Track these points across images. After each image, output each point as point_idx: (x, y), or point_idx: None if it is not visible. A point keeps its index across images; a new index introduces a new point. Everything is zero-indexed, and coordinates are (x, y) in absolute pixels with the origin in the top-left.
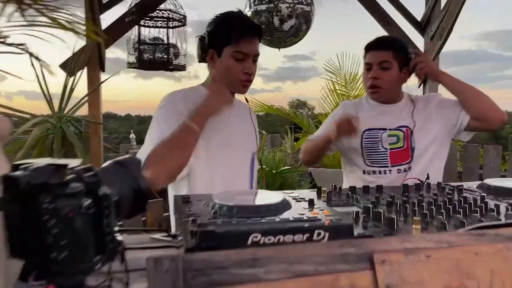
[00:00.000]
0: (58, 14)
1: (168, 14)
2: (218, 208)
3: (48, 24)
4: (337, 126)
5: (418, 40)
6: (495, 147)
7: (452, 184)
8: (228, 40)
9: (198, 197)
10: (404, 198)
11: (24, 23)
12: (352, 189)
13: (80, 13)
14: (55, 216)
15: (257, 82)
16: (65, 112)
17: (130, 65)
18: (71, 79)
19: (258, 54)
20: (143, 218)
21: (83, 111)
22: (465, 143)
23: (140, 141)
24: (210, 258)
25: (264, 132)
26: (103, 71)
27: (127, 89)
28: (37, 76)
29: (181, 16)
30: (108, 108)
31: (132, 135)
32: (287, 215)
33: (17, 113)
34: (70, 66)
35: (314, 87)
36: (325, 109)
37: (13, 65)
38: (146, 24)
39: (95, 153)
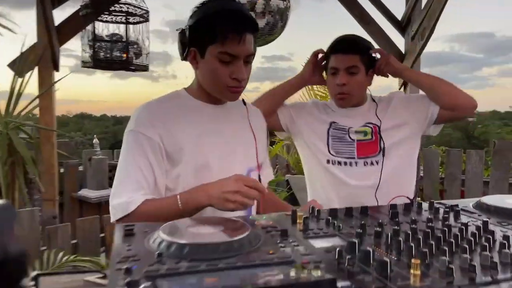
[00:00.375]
0: None
1: (128, 8)
2: (165, 248)
3: None
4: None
5: (398, 40)
6: (477, 152)
7: (446, 202)
8: (212, 38)
9: (146, 228)
10: (395, 227)
11: None
12: (333, 212)
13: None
14: None
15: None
16: (13, 116)
17: (85, 64)
18: (20, 80)
19: (252, 54)
20: (102, 235)
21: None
22: (447, 148)
23: (117, 145)
24: None
25: None
26: (57, 70)
27: (103, 89)
28: None
29: (143, 11)
30: (82, 108)
31: (95, 140)
32: (253, 258)
33: None
34: (18, 66)
35: None
36: None
37: None
38: (104, 19)
39: (48, 162)
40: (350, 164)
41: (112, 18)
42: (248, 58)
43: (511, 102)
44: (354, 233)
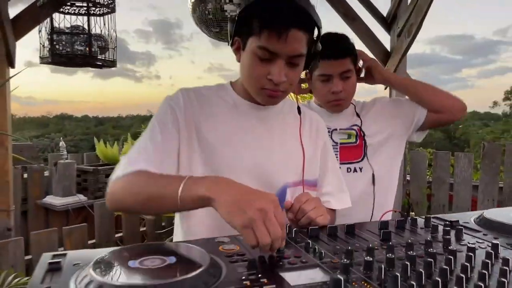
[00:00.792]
0: None
1: None
2: None
3: None
4: None
5: (384, 37)
6: (466, 154)
7: (444, 218)
8: (250, 29)
9: (77, 260)
10: (389, 255)
11: None
12: (314, 233)
13: None
14: None
15: (218, 82)
16: None
17: (43, 60)
18: None
19: (299, 55)
20: (61, 249)
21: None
22: (435, 150)
23: (87, 148)
24: None
25: None
26: (12, 67)
27: (84, 89)
28: None
29: (109, 2)
30: (63, 109)
31: (62, 143)
32: None
33: None
34: None
35: None
36: None
37: None
38: (65, 11)
39: (1, 169)
40: None
41: (74, 10)
42: (294, 59)
43: (490, 103)
44: (338, 262)
